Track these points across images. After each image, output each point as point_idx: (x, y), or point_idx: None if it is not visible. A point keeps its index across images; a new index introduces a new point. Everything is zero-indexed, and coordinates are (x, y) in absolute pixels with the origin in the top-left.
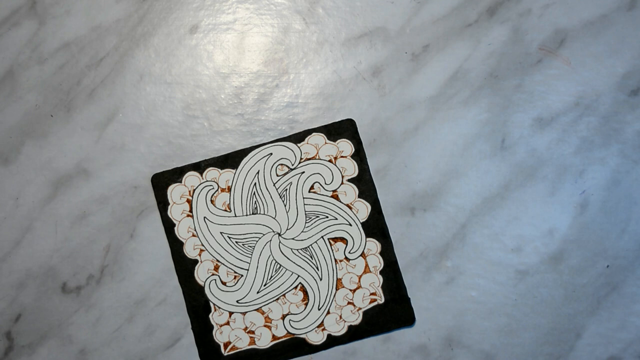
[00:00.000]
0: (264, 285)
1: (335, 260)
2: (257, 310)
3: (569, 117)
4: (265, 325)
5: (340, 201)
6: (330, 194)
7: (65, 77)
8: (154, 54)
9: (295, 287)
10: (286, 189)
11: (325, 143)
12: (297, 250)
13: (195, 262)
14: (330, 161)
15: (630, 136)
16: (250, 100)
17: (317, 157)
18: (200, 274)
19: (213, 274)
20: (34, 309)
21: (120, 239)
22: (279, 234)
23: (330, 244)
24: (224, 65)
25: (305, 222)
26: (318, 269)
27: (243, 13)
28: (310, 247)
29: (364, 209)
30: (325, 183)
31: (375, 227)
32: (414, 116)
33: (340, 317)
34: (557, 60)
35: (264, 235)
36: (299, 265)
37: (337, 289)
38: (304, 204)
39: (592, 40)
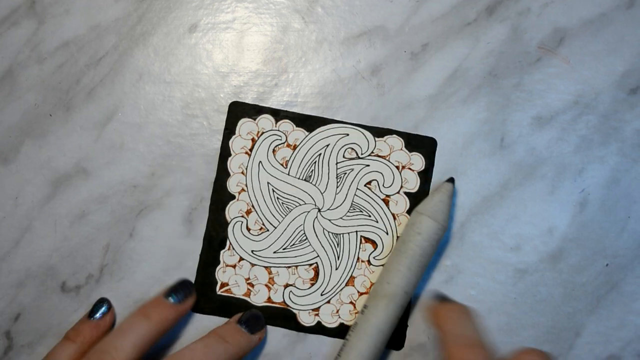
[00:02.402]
0: (283, 249)
1: (358, 259)
2: (265, 268)
3: (568, 115)
4: (266, 285)
5: (389, 208)
6: (383, 197)
7: (65, 77)
8: (153, 53)
9: (310, 265)
10: (345, 173)
11: (401, 149)
12: (329, 232)
13: (232, 197)
14: (397, 167)
15: (629, 135)
16: (250, 99)
17: (387, 158)
18: (231, 212)
19: (242, 217)
20: (33, 309)
21: (120, 238)
22: (319, 210)
23: (361, 242)
24: (223, 64)
25: (348, 211)
26: (338, 259)
27: (242, 12)
28: (341, 235)
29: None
30: (384, 185)
31: None
32: (413, 115)
33: (337, 311)
34: (556, 59)
35: (305, 204)
36: (322, 246)
37: (346, 285)
38: (354, 194)
39: (591, 39)
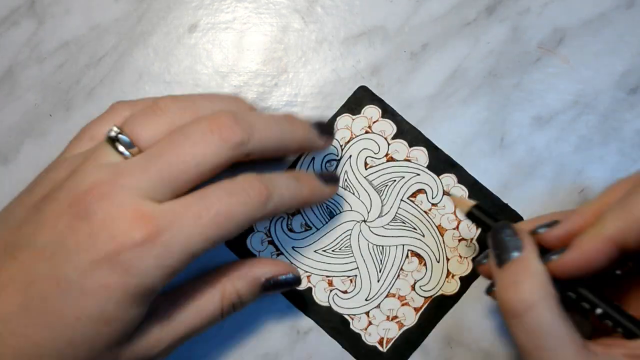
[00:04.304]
0: (324, 250)
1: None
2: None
3: (567, 115)
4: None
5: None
6: (430, 207)
7: (65, 77)
8: (152, 53)
9: (348, 277)
10: (387, 184)
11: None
12: (373, 244)
13: None
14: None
15: (629, 134)
16: (250, 99)
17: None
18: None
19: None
20: None
21: None
22: (364, 221)
23: (407, 256)
24: (223, 64)
25: (391, 221)
26: (380, 271)
27: (242, 12)
28: (386, 247)
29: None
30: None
31: None
32: (413, 115)
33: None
34: (556, 59)
35: (352, 210)
36: (364, 258)
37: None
38: (399, 207)
39: (591, 39)
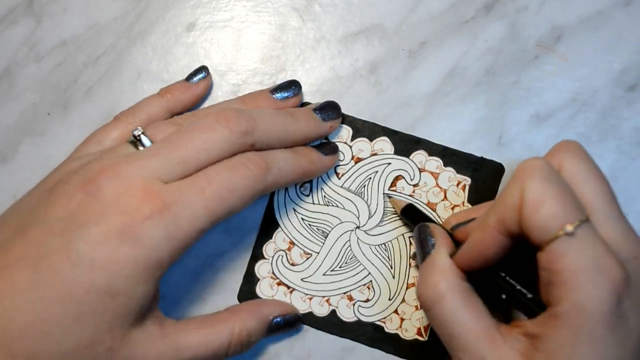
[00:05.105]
0: (331, 270)
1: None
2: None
3: (566, 113)
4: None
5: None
6: (411, 191)
7: (63, 75)
8: (151, 52)
9: (365, 285)
10: (370, 177)
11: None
12: (375, 246)
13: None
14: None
15: (627, 132)
16: None
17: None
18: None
19: (282, 251)
20: None
21: None
22: (358, 227)
23: (411, 243)
24: (221, 62)
25: (383, 216)
26: (392, 268)
27: (240, 10)
28: (388, 243)
29: None
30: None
31: None
32: (411, 113)
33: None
34: (554, 57)
35: (342, 222)
36: (372, 263)
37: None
38: (384, 199)
39: (589, 37)
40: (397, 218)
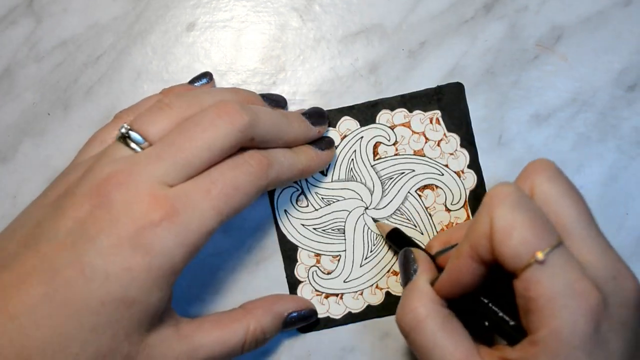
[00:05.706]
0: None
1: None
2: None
3: (566, 113)
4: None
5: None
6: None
7: (63, 75)
8: (151, 52)
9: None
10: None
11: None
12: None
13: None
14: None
15: (627, 132)
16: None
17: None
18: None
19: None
20: None
21: None
22: (366, 208)
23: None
24: (221, 62)
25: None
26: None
27: (240, 10)
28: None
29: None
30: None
31: None
32: None
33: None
34: (554, 57)
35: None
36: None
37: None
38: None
39: (589, 37)
40: (399, 179)
